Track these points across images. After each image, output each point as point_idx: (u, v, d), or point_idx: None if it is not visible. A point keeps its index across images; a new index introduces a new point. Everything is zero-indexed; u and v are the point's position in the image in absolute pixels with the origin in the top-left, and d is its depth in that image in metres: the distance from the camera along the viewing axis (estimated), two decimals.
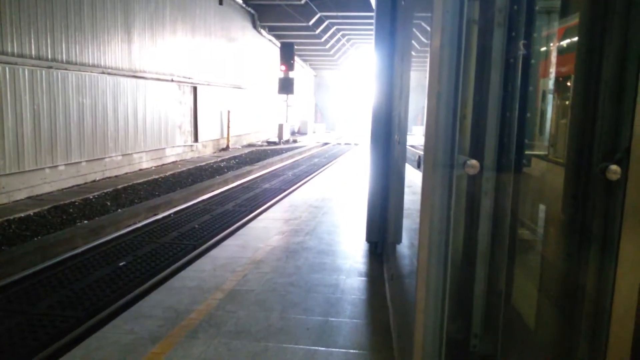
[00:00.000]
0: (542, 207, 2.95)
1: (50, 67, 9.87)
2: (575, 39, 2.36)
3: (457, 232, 2.52)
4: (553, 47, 2.79)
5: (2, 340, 4.02)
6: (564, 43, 2.69)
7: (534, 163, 2.71)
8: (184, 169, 14.19)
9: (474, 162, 2.12)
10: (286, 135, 27.21)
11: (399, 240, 4.76)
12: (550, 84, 2.83)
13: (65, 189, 10.35)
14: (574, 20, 2.48)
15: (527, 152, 2.51)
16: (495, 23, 2.38)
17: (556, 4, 2.78)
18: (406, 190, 4.83)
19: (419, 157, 2.50)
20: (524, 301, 2.74)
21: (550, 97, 2.86)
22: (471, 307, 2.53)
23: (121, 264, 5.90)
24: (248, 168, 14.65)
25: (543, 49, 2.72)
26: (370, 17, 22.61)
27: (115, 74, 12.19)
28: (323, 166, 16.08)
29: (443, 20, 2.02)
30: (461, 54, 2.03)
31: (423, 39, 24.94)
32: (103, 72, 11.68)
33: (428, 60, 2.15)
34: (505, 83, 2.42)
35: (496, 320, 2.52)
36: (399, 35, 4.71)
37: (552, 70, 2.82)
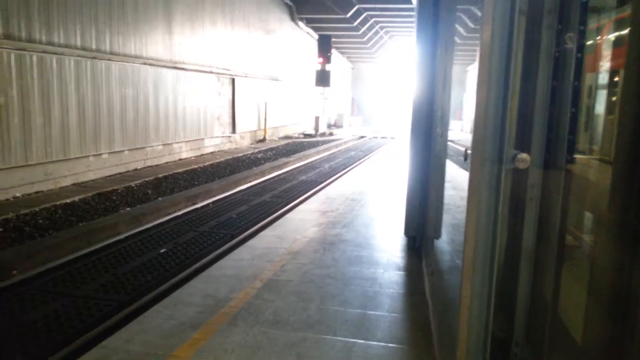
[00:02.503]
0: (590, 206, 2.84)
1: (95, 58, 10.14)
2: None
3: (502, 228, 2.46)
4: (605, 39, 2.68)
5: (49, 321, 4.17)
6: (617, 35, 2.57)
7: (583, 160, 2.61)
8: (222, 159, 14.38)
9: (524, 155, 2.06)
10: (322, 128, 27.22)
11: (438, 235, 4.70)
12: (602, 77, 2.72)
13: (109, 176, 10.65)
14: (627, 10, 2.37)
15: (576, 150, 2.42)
16: (545, 12, 2.30)
17: None
18: (446, 185, 4.76)
19: (466, 150, 2.45)
20: (571, 306, 2.65)
21: (600, 92, 2.75)
22: (514, 312, 2.47)
23: (162, 250, 6.04)
24: (284, 160, 14.73)
25: (592, 41, 2.61)
26: (409, 10, 22.31)
27: (156, 65, 12.43)
28: (359, 159, 16.02)
29: (494, 11, 1.96)
30: (512, 45, 1.97)
31: (463, 32, 24.47)
32: (145, 63, 11.93)
33: (478, 52, 2.09)
34: (554, 76, 2.34)
35: (540, 326, 2.45)
36: (442, 26, 4.63)
37: (604, 64, 2.71)
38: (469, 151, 2.23)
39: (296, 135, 25.58)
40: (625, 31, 2.30)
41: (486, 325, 2.04)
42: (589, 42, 2.55)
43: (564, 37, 2.32)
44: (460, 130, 32.65)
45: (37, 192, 8.73)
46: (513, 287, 2.48)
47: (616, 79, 2.50)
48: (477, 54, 2.09)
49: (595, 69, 2.76)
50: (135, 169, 11.73)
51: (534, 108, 2.39)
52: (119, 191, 9.25)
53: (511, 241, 2.56)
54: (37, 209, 7.54)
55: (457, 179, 8.41)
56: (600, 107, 2.78)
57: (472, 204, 2.00)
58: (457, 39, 25.71)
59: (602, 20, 2.72)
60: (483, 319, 2.03)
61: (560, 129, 2.34)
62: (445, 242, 4.79)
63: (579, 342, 2.58)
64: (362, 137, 27.26)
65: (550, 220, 2.42)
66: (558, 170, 2.38)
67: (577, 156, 2.51)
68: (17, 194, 8.37)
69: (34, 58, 8.58)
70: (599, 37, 2.73)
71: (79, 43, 9.70)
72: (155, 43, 12.46)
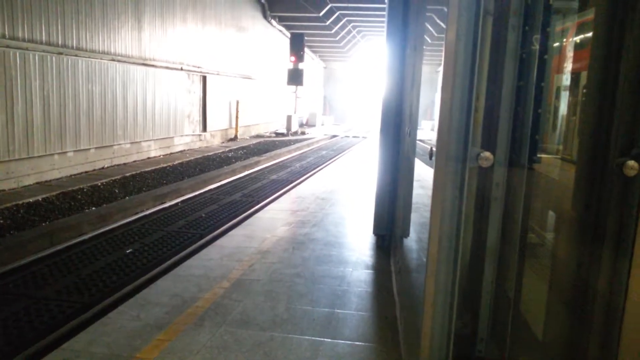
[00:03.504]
0: (553, 204, 2.90)
1: (61, 53, 9.87)
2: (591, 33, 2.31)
3: (467, 226, 2.49)
4: (569, 41, 2.74)
5: (9, 324, 4.04)
6: (580, 38, 2.63)
7: (546, 160, 2.66)
8: (192, 158, 14.20)
9: (487, 154, 2.08)
10: (294, 127, 27.16)
11: (406, 234, 4.73)
12: (565, 79, 2.78)
13: (74, 175, 10.39)
14: (591, 14, 2.42)
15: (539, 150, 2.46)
16: (511, 13, 2.34)
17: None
18: (415, 184, 4.80)
19: (431, 148, 2.47)
20: (534, 302, 2.70)
21: (564, 93, 2.80)
22: (478, 309, 2.50)
23: (128, 251, 5.92)
24: (256, 159, 14.64)
25: (558, 44, 2.66)
26: (381, 9, 22.45)
27: (125, 62, 12.18)
28: (331, 159, 16.05)
29: (459, 11, 1.97)
30: (477, 46, 1.99)
31: (434, 32, 24.76)
32: (113, 60, 11.68)
33: (443, 51, 2.10)
34: (520, 77, 2.37)
35: (504, 323, 2.48)
36: (412, 26, 4.66)
37: (567, 66, 2.77)
38: (434, 149, 2.24)
39: (268, 134, 25.47)
40: (589, 34, 2.35)
41: (450, 321, 2.06)
42: (555, 44, 2.61)
43: (530, 38, 2.36)
44: (431, 130, 33.02)
45: None
46: (477, 285, 2.51)
47: (579, 80, 2.56)
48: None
49: (560, 71, 2.82)
50: (102, 168, 11.47)
51: (499, 108, 2.42)
52: (85, 190, 9.03)
53: (476, 239, 2.59)
54: None
55: (425, 178, 8.51)
56: (563, 108, 2.84)
57: (437, 202, 2.02)
58: (428, 39, 26.00)
59: (566, 23, 2.78)
60: (447, 316, 2.05)
61: (525, 129, 2.38)
62: (413, 241, 4.83)
63: (540, 337, 2.64)
64: (334, 136, 27.31)
65: (514, 218, 2.46)
66: (522, 170, 2.41)
67: (542, 155, 2.56)
68: None
69: None
70: (564, 40, 2.79)
71: (44, 38, 9.43)
72: (124, 39, 12.21)
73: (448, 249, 2.02)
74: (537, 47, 2.37)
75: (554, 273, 2.75)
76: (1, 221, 6.76)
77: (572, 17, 2.72)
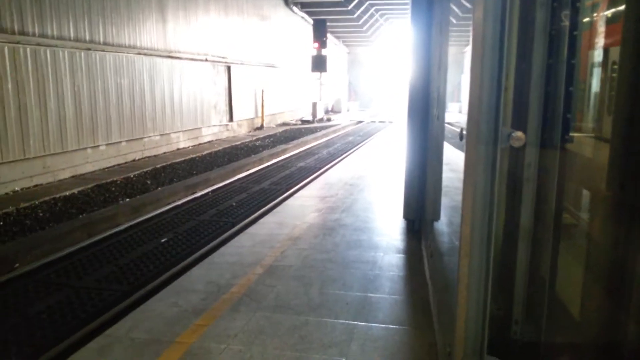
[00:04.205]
0: (587, 184, 2.85)
1: (89, 49, 10.08)
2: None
3: (499, 207, 2.47)
4: (600, 16, 2.66)
5: (53, 312, 4.21)
6: (612, 11, 2.56)
7: (579, 139, 2.61)
8: (220, 148, 14.37)
9: (519, 133, 2.06)
10: (320, 114, 27.15)
11: (437, 217, 4.71)
12: (597, 55, 2.71)
13: (107, 168, 10.65)
14: None
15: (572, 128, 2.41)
16: None
17: None
18: (444, 167, 4.76)
19: (461, 129, 2.45)
20: (569, 284, 2.67)
21: (596, 70, 2.74)
22: (513, 290, 2.49)
23: (162, 240, 6.07)
24: (283, 147, 14.71)
25: (588, 19, 2.59)
26: None
27: (151, 55, 12.36)
28: (358, 144, 16.01)
29: None
30: (505, 24, 1.96)
31: (459, 12, 24.28)
32: (139, 53, 11.86)
33: (471, 31, 2.08)
34: (549, 54, 2.33)
35: (539, 304, 2.47)
36: (437, 7, 4.59)
37: (599, 41, 2.70)
38: (464, 131, 2.23)
39: (294, 121, 25.52)
40: (621, 7, 2.29)
41: (484, 304, 2.06)
42: (586, 19, 2.54)
43: (559, 14, 2.31)
44: (459, 112, 32.56)
45: (36, 186, 8.74)
46: (512, 266, 2.50)
47: (611, 56, 2.50)
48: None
49: (591, 47, 2.75)
50: (134, 160, 11.72)
51: (529, 87, 2.39)
52: (118, 182, 9.26)
53: (509, 220, 2.58)
54: (36, 202, 7.56)
55: (455, 162, 8.42)
56: (596, 85, 2.77)
57: (468, 183, 2.01)
58: (453, 20, 25.51)
59: None
60: (481, 298, 2.05)
61: (557, 107, 2.34)
62: (444, 224, 4.81)
63: (577, 318, 2.61)
64: (360, 122, 27.20)
65: (547, 198, 2.43)
66: (554, 149, 2.38)
67: (575, 134, 2.52)
68: (17, 188, 8.38)
69: (28, 51, 8.53)
70: (595, 14, 2.71)
71: (72, 34, 9.63)
72: (149, 32, 12.37)
73: (481, 230, 2.01)
74: (566, 23, 2.31)
75: (589, 253, 2.71)
76: (41, 214, 7.00)
77: None
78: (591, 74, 2.80)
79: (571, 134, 2.41)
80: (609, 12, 2.62)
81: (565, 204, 2.62)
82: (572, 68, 2.33)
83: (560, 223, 2.52)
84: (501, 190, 2.46)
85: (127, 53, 11.40)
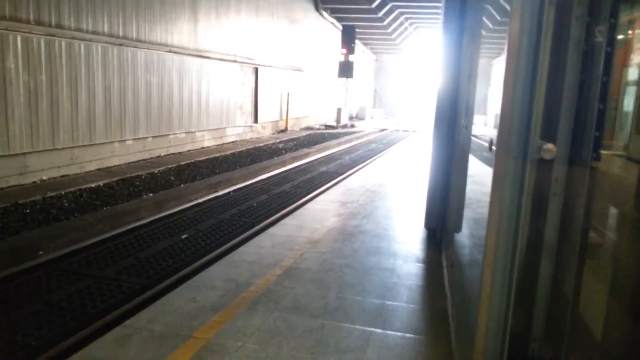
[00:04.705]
0: (615, 203, 2.79)
1: (122, 45, 10.28)
2: None
3: (525, 221, 2.44)
4: (636, 33, 2.61)
5: (73, 301, 4.28)
6: None
7: (608, 158, 2.56)
8: (244, 148, 14.47)
9: (550, 145, 2.04)
10: (344, 120, 27.17)
11: (459, 228, 4.67)
12: (632, 73, 2.65)
13: (132, 162, 10.82)
14: None
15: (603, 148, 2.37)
16: (575, 3, 2.26)
17: None
18: (468, 180, 4.72)
19: (491, 139, 2.43)
20: (592, 304, 2.62)
21: (630, 88, 2.68)
22: (533, 307, 2.45)
23: (183, 236, 6.13)
24: (306, 150, 14.75)
25: (624, 36, 2.55)
26: (435, 0, 22.04)
27: (181, 53, 12.54)
28: (380, 152, 15.96)
29: (523, 1, 1.94)
30: (541, 37, 1.94)
31: (490, 24, 24.08)
32: (170, 51, 12.04)
33: (506, 43, 2.06)
34: (582, 70, 2.30)
35: (560, 323, 2.42)
36: (469, 16, 4.57)
37: (635, 59, 2.64)
38: (494, 142, 2.21)
39: (318, 126, 25.58)
40: None
41: (505, 318, 2.04)
42: (622, 36, 2.49)
43: (594, 30, 2.28)
44: (484, 125, 32.22)
45: (63, 176, 8.92)
46: (533, 283, 2.46)
47: None
48: (505, 47, 2.07)
49: (626, 64, 2.69)
50: (159, 156, 11.89)
51: (561, 102, 2.36)
52: (143, 177, 9.39)
53: (533, 235, 2.54)
54: (62, 192, 7.71)
55: (479, 174, 8.34)
56: (629, 104, 2.72)
57: (496, 194, 1.99)
58: (483, 32, 25.32)
59: (635, 13, 2.65)
60: (503, 311, 2.03)
61: (587, 124, 2.31)
62: (465, 236, 4.76)
63: (598, 340, 2.55)
64: (384, 129, 27.13)
65: (574, 216, 2.39)
66: (583, 166, 2.34)
67: (605, 152, 2.47)
68: (44, 177, 8.57)
69: (63, 44, 8.74)
70: (630, 31, 2.66)
71: (106, 30, 9.84)
72: (181, 31, 12.56)
73: (506, 243, 1.99)
74: (600, 39, 2.28)
75: (614, 274, 2.65)
76: (66, 204, 7.15)
77: None
78: (624, 92, 2.75)
79: (600, 152, 2.37)
80: None
81: (592, 222, 2.57)
82: (605, 85, 2.30)
83: (586, 241, 2.48)
84: (527, 204, 2.42)
85: (158, 50, 11.59)
